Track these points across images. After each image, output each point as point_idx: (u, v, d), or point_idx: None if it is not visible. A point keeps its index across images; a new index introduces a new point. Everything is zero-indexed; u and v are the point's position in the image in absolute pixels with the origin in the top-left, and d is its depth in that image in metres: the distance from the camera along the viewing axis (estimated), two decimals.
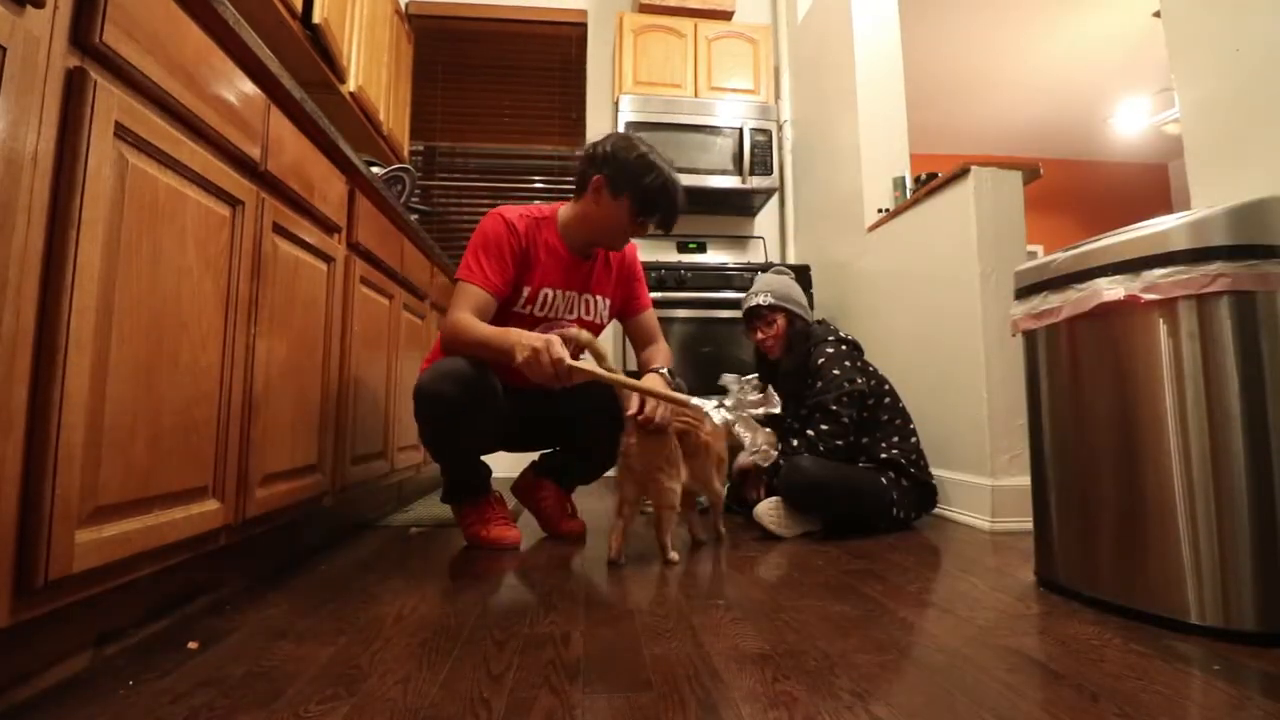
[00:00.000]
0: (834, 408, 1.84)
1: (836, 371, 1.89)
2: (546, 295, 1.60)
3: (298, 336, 1.37)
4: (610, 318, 1.76)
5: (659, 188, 1.53)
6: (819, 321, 2.11)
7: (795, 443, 1.86)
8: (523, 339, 1.36)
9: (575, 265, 1.64)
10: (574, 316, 1.66)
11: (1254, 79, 1.26)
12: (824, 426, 1.83)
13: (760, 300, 2.05)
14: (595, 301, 1.69)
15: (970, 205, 1.99)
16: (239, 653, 0.93)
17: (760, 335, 2.06)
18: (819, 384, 1.89)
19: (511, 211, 1.60)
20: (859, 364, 1.97)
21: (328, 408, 1.53)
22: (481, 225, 1.58)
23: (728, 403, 1.38)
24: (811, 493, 1.78)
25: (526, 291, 1.58)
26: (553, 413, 1.68)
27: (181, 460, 0.99)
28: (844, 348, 1.96)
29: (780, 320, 2.04)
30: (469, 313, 1.49)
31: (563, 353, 1.33)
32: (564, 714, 0.75)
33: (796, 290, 2.13)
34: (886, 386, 2.00)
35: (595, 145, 1.59)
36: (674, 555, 1.47)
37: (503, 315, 1.58)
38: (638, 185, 1.52)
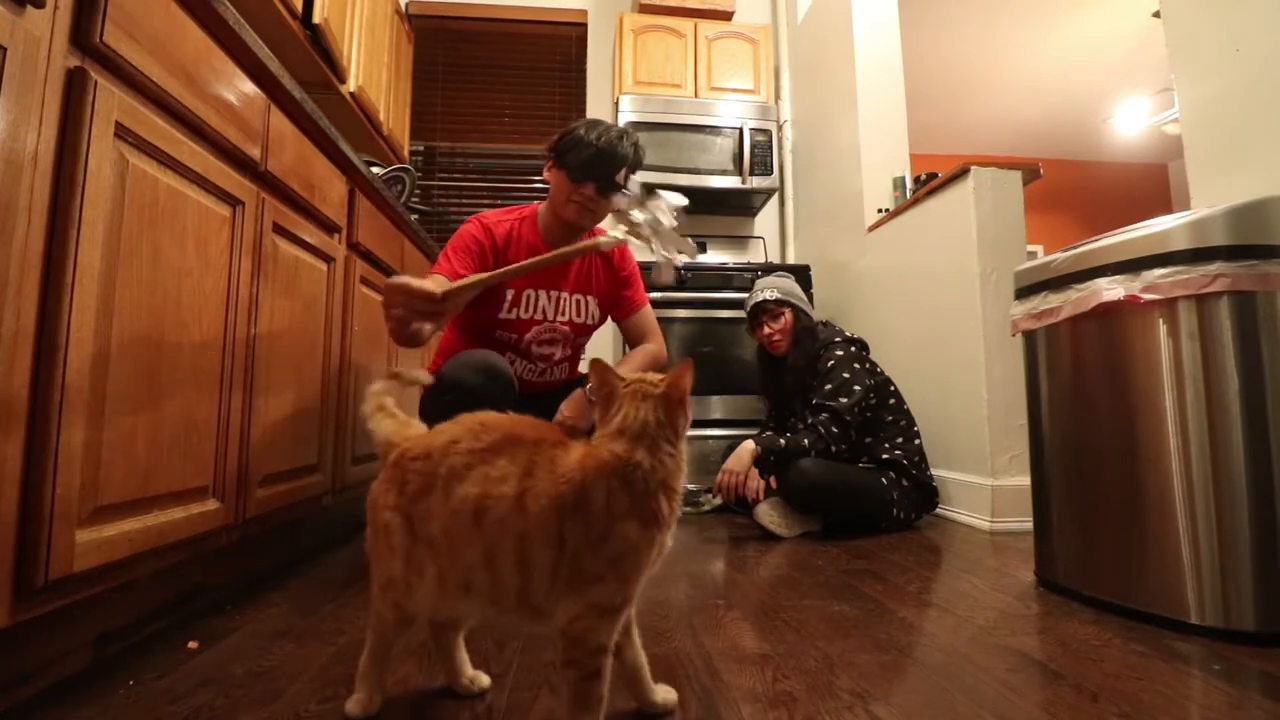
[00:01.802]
0: (845, 416, 1.85)
1: (846, 375, 1.90)
2: (529, 297, 1.59)
3: (298, 336, 1.37)
4: (603, 317, 1.75)
5: (579, 144, 1.52)
6: (824, 323, 2.12)
7: (800, 427, 1.88)
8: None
9: (561, 265, 1.62)
10: (565, 318, 1.65)
11: (1254, 79, 1.26)
12: (834, 429, 1.84)
13: (768, 295, 2.07)
14: (585, 302, 1.68)
15: (970, 205, 1.99)
16: (239, 653, 0.93)
17: (768, 330, 2.07)
18: (828, 386, 1.89)
19: (490, 216, 1.61)
20: (867, 365, 1.98)
21: (328, 408, 1.53)
22: (458, 230, 1.59)
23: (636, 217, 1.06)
24: (812, 494, 1.79)
25: (510, 295, 1.57)
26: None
27: (182, 460, 0.99)
28: (853, 349, 1.98)
29: (787, 314, 2.06)
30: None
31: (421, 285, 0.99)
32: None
33: (799, 289, 2.15)
34: (892, 387, 2.01)
35: None
36: None
37: (490, 323, 1.57)
38: (567, 151, 1.54)
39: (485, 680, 0.82)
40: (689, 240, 1.10)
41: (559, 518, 0.64)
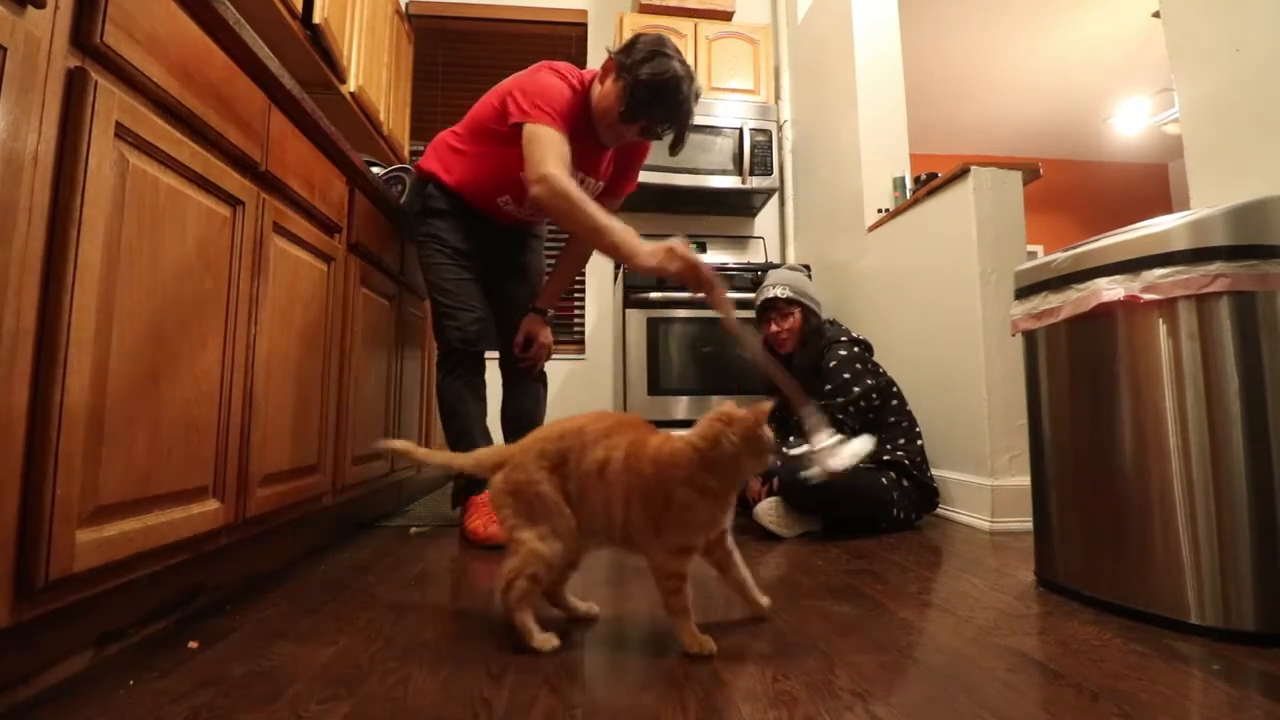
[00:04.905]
0: (839, 416, 1.85)
1: (847, 375, 1.89)
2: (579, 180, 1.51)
3: (298, 336, 1.37)
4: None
5: (652, 77, 1.34)
6: (830, 321, 2.11)
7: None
8: (646, 247, 1.20)
9: (594, 152, 1.55)
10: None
11: (1254, 79, 1.26)
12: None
13: (778, 292, 2.03)
14: (590, 185, 1.62)
15: (970, 205, 1.99)
16: (239, 653, 0.93)
17: (774, 328, 2.05)
18: (828, 386, 1.89)
19: (562, 67, 1.47)
20: (869, 365, 1.97)
21: (328, 408, 1.52)
22: (537, 77, 1.43)
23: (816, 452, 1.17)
24: (813, 494, 1.78)
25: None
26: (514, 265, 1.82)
27: (182, 460, 0.99)
28: (856, 349, 1.97)
29: (797, 314, 2.04)
30: (561, 167, 1.29)
31: (694, 256, 1.17)
32: (564, 714, 0.75)
33: (813, 287, 2.12)
34: (894, 388, 2.00)
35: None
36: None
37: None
38: (634, 72, 1.36)
39: (595, 609, 1.08)
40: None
41: (643, 484, 0.91)
